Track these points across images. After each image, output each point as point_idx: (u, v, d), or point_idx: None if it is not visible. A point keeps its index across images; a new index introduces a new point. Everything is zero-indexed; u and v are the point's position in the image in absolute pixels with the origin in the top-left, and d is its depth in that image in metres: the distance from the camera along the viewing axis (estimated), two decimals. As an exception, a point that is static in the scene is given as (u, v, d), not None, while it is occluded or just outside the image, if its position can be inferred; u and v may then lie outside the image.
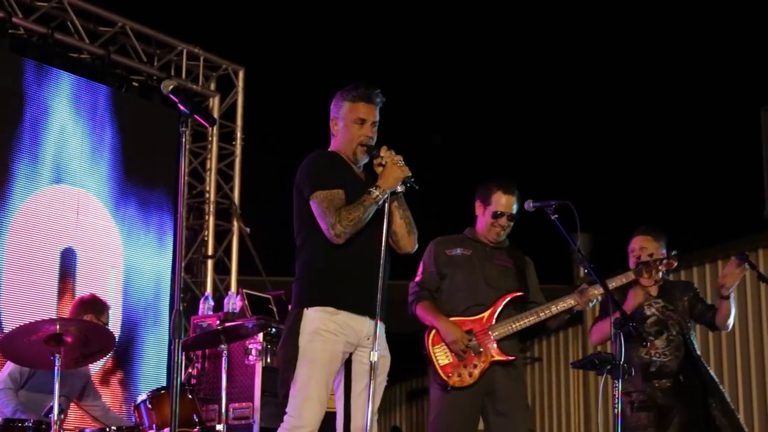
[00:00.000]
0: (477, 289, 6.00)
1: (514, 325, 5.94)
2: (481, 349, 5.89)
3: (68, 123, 8.87)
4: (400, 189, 4.85)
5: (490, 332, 5.91)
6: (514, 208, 6.05)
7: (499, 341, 5.91)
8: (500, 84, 14.53)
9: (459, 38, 14.46)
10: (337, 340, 4.77)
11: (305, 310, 4.80)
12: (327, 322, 4.76)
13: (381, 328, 4.82)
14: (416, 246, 5.07)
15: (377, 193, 4.79)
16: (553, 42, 14.37)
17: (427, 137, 13.44)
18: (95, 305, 6.94)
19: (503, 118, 14.69)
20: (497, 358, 5.89)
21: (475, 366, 5.88)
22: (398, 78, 13.03)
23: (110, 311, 7.09)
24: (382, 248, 4.74)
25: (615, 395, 5.04)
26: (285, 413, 4.81)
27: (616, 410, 5.03)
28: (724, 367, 10.82)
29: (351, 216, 4.75)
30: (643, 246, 6.38)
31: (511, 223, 6.07)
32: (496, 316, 5.96)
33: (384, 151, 4.89)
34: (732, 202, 13.47)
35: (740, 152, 12.88)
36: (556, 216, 5.63)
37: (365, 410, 4.79)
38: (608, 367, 5.12)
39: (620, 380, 4.98)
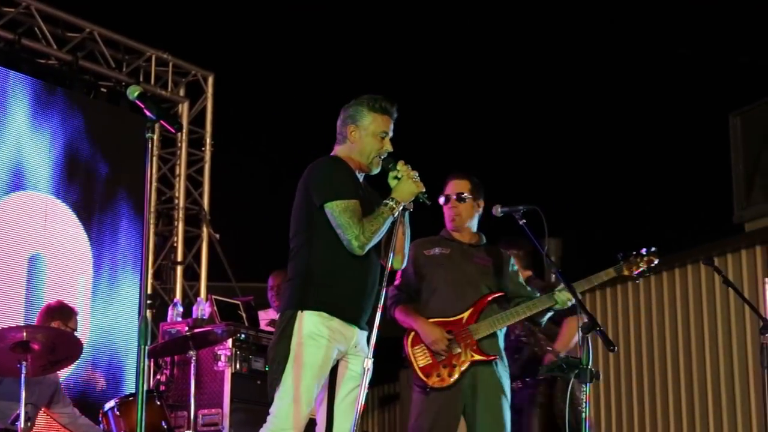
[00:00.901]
0: (457, 288, 5.99)
1: (494, 325, 5.92)
2: (461, 350, 5.87)
3: (36, 129, 8.82)
4: (409, 206, 4.88)
5: (470, 332, 5.90)
6: (460, 189, 6.06)
7: (479, 341, 5.89)
8: (467, 87, 14.57)
9: (424, 40, 14.48)
10: (330, 346, 4.77)
11: (300, 312, 4.77)
12: (321, 327, 4.75)
13: (364, 335, 4.89)
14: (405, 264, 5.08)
15: (393, 205, 4.79)
16: (524, 46, 14.42)
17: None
18: (62, 312, 6.90)
19: (471, 123, 14.72)
20: (477, 357, 5.87)
21: (455, 366, 5.86)
22: (365, 81, 13.04)
23: (78, 317, 7.04)
24: (389, 261, 4.76)
25: (582, 399, 5.05)
26: (268, 414, 4.78)
27: (584, 414, 5.04)
28: (695, 371, 10.88)
29: (373, 228, 4.76)
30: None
31: (460, 204, 6.07)
32: (477, 315, 5.95)
33: (401, 165, 4.89)
34: (701, 207, 13.55)
35: (709, 158, 12.96)
36: (525, 221, 5.64)
37: (348, 416, 4.82)
38: (576, 371, 5.12)
39: (588, 384, 4.99)
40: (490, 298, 6.00)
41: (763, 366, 6.18)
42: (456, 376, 5.85)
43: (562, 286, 5.91)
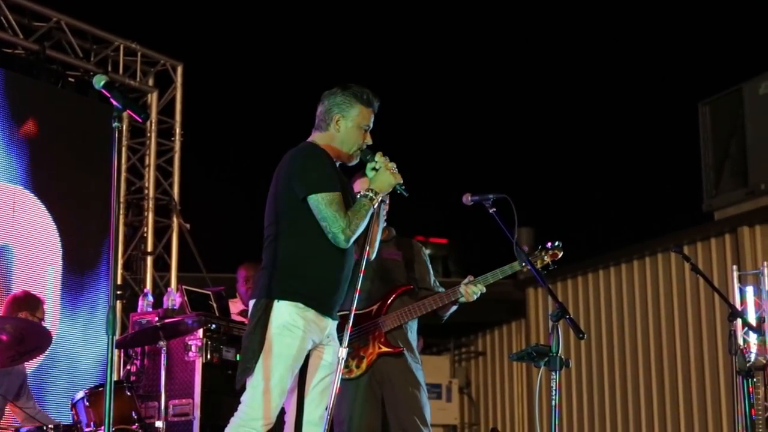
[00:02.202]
0: (366, 282, 5.97)
1: (401, 318, 6.00)
2: (369, 341, 5.95)
3: (3, 119, 8.75)
4: (386, 197, 4.90)
5: (378, 324, 5.97)
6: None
7: (387, 333, 5.98)
8: (437, 78, 14.58)
9: (396, 30, 14.49)
10: (305, 337, 4.76)
11: (276, 302, 4.75)
12: (296, 317, 4.74)
13: (335, 325, 4.92)
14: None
15: (372, 196, 4.80)
16: (496, 38, 14.44)
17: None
18: (29, 302, 6.86)
19: (443, 114, 14.73)
20: (384, 349, 5.96)
21: (363, 358, 5.95)
22: (336, 70, 13.02)
23: (46, 306, 7.00)
24: (370, 252, 4.82)
25: (552, 387, 5.06)
26: (239, 402, 4.77)
27: (553, 401, 5.05)
28: (666, 360, 10.94)
29: (357, 220, 4.76)
30: None
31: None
32: (386, 308, 6.01)
33: (379, 157, 4.90)
34: (670, 196, 13.63)
35: (678, 146, 13.03)
36: (495, 210, 5.64)
37: (318, 404, 4.84)
38: (545, 359, 5.13)
39: (557, 372, 5.00)
40: (399, 292, 6.09)
41: (731, 352, 6.24)
42: (363, 367, 5.95)
43: (467, 279, 5.96)
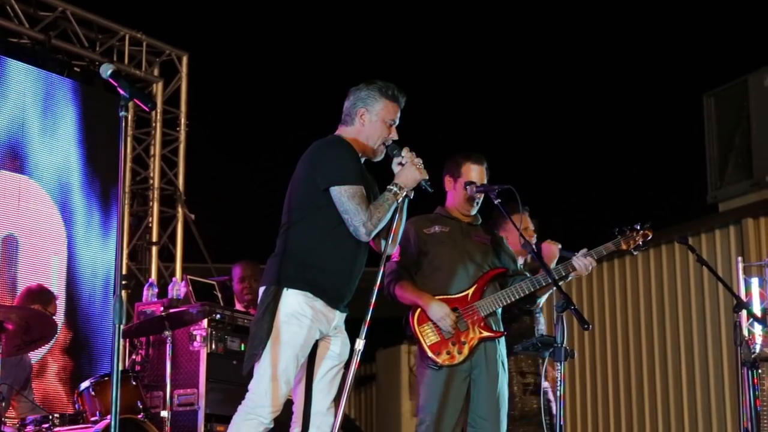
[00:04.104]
0: (460, 265, 5.96)
1: (499, 302, 5.90)
2: (468, 326, 5.85)
3: (8, 109, 8.76)
4: (410, 193, 4.88)
5: (476, 308, 5.88)
6: (485, 179, 6.05)
7: (485, 317, 5.87)
8: (443, 67, 14.57)
9: (401, 21, 14.47)
10: (312, 326, 4.76)
11: (285, 290, 4.75)
12: (305, 306, 4.74)
13: (344, 317, 4.91)
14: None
15: (397, 191, 4.80)
16: (500, 26, 14.42)
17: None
18: (42, 296, 6.88)
19: (450, 105, 14.72)
20: (486, 334, 5.85)
21: (464, 343, 5.82)
22: (342, 62, 13.02)
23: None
24: (390, 247, 4.85)
25: (558, 378, 5.07)
26: (245, 392, 4.78)
27: (558, 393, 5.06)
28: (673, 348, 10.94)
29: (379, 215, 4.76)
30: (526, 226, 6.50)
31: (482, 195, 6.05)
32: (481, 292, 5.92)
33: (406, 152, 4.89)
34: (675, 188, 13.62)
35: (683, 138, 13.02)
36: (500, 200, 5.65)
37: (326, 395, 4.84)
38: (550, 349, 5.14)
39: (562, 363, 5.01)
40: (492, 275, 5.99)
41: (736, 343, 6.24)
42: (466, 353, 5.81)
43: (582, 252, 5.92)
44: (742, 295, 8.01)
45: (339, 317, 4.90)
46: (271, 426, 4.75)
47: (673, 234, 10.50)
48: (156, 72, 10.77)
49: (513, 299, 5.92)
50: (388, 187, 4.82)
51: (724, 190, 10.97)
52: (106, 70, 4.07)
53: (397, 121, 5.00)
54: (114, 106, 4.04)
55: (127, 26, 10.30)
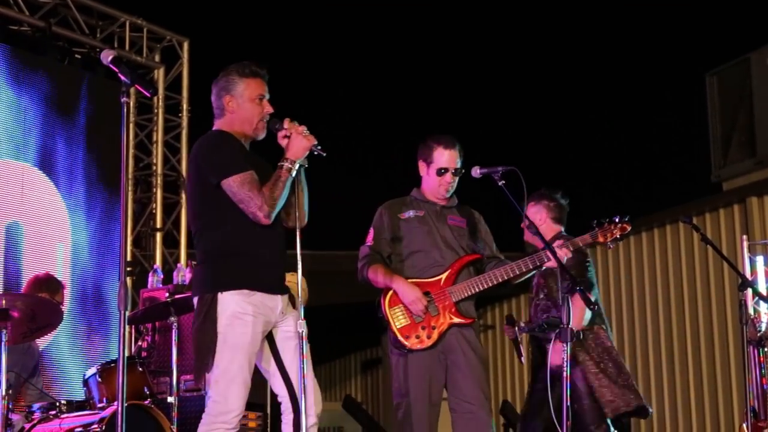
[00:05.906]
0: (434, 250, 5.94)
1: (472, 288, 5.87)
2: (439, 311, 5.83)
3: (11, 97, 8.75)
4: (305, 162, 4.82)
5: (449, 294, 5.86)
6: (458, 162, 5.98)
7: (457, 303, 5.85)
8: (444, 48, 14.53)
9: (396, 13, 14.43)
10: (256, 321, 4.72)
11: (220, 294, 4.71)
12: (244, 304, 4.70)
13: (286, 297, 4.87)
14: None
15: (289, 165, 4.74)
16: (498, 9, 14.38)
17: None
18: (50, 284, 6.88)
19: (450, 83, 14.69)
20: (456, 320, 5.82)
21: (434, 328, 5.80)
22: (341, 46, 13.01)
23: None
24: (297, 222, 4.78)
25: (564, 359, 5.07)
26: (208, 398, 4.72)
27: (564, 373, 5.06)
28: (677, 335, 10.94)
29: (275, 195, 4.71)
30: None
31: (456, 178, 6.01)
32: (455, 277, 5.91)
33: (288, 123, 4.83)
34: (679, 167, 13.60)
35: (686, 118, 12.98)
36: (504, 182, 5.61)
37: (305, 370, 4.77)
38: (557, 330, 5.14)
39: (568, 344, 5.01)
40: (467, 261, 5.97)
41: (741, 322, 6.23)
42: (435, 337, 5.79)
43: (556, 243, 5.89)
44: (748, 274, 7.98)
45: (282, 300, 4.84)
46: (237, 429, 4.72)
47: (678, 214, 10.49)
48: (157, 58, 10.76)
49: (486, 287, 5.89)
50: (278, 164, 4.76)
51: (727, 168, 10.94)
52: (107, 56, 4.06)
53: (267, 95, 4.93)
54: (116, 92, 4.03)
55: (128, 12, 10.30)
